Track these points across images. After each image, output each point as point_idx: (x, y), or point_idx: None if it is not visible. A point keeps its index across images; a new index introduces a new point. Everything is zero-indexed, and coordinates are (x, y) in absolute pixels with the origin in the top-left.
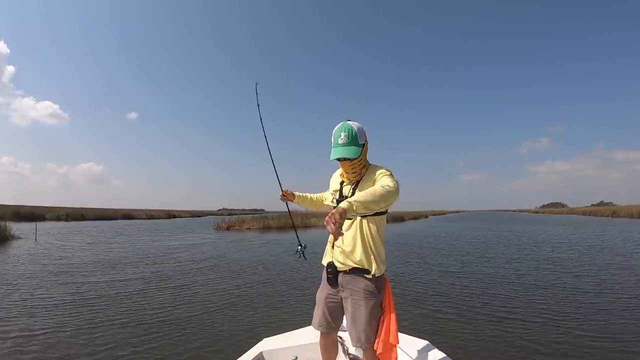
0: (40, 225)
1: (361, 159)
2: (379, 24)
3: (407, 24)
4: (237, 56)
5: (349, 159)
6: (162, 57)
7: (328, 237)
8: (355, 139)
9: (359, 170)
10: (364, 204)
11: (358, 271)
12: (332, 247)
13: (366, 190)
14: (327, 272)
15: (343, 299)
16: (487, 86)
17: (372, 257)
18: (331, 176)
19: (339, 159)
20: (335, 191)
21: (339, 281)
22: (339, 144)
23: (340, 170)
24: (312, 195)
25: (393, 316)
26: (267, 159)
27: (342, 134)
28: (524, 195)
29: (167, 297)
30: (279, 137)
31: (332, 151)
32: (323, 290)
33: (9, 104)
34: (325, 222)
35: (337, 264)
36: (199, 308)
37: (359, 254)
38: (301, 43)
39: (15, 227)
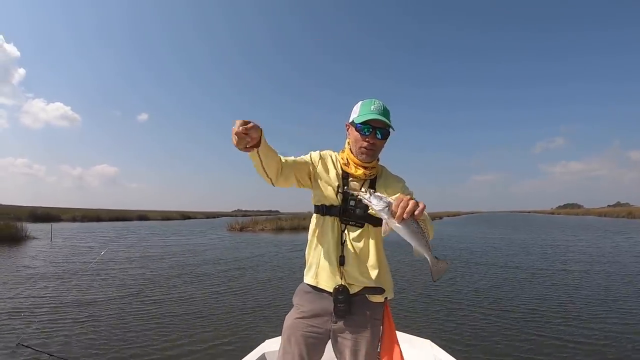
0: (56, 225)
1: (383, 145)
2: (394, 20)
3: (423, 21)
4: (253, 56)
5: (384, 130)
6: (174, 57)
7: (325, 250)
8: (389, 116)
9: (376, 162)
10: (428, 225)
11: (370, 292)
12: (339, 263)
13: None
14: (337, 300)
15: (335, 332)
16: (500, 85)
17: (388, 274)
18: (313, 153)
19: (372, 127)
20: (334, 185)
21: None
22: (373, 111)
23: (334, 155)
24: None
25: (397, 349)
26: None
27: (376, 102)
28: (538, 195)
29: (171, 298)
30: (288, 133)
31: (359, 116)
32: (300, 321)
33: (20, 106)
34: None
35: (349, 285)
36: (202, 309)
37: (377, 270)
38: (317, 42)
39: (31, 228)
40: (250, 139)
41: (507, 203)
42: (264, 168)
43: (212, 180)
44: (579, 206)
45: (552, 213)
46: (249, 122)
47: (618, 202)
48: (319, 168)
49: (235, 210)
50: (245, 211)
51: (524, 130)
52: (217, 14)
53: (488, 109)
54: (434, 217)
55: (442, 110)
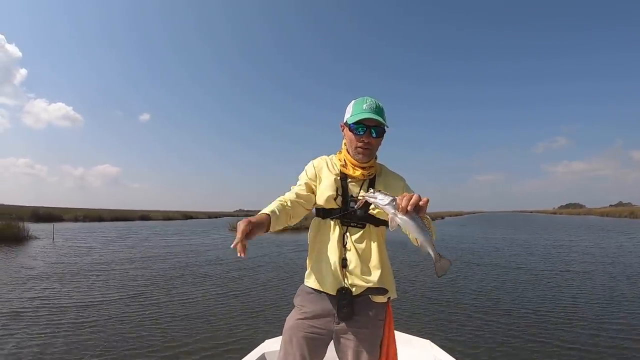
0: (58, 225)
1: (380, 143)
2: (395, 19)
3: (424, 20)
4: (254, 56)
5: (379, 128)
6: (175, 57)
7: (327, 253)
8: (383, 113)
9: (374, 160)
10: (430, 221)
11: (373, 292)
12: (342, 265)
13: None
14: (341, 303)
15: (338, 333)
16: (501, 84)
17: (391, 274)
18: (308, 167)
19: (365, 126)
20: (332, 193)
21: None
22: (366, 110)
23: (329, 160)
24: (285, 203)
25: (393, 349)
26: (282, 161)
27: (369, 100)
28: (540, 195)
29: (171, 299)
30: (289, 132)
31: (352, 116)
32: (302, 322)
33: (22, 106)
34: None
35: (352, 287)
36: (202, 309)
37: (380, 271)
38: (317, 41)
39: (33, 228)
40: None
41: (509, 203)
42: (281, 228)
43: (214, 180)
44: (581, 206)
45: (554, 213)
46: (248, 226)
47: (620, 201)
48: (318, 179)
49: (237, 210)
50: (247, 211)
51: (525, 130)
52: (218, 13)
53: (489, 108)
54: (436, 216)
55: (443, 110)
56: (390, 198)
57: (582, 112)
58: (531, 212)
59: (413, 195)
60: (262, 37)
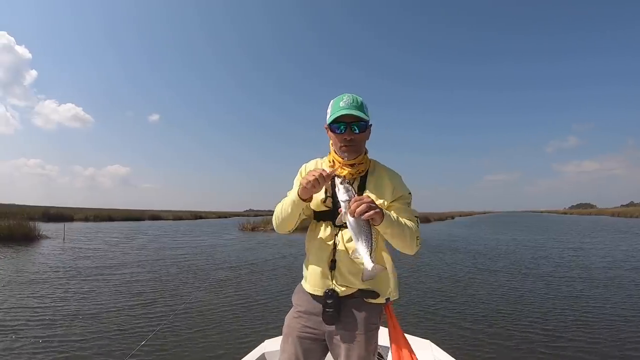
0: (69, 225)
1: (367, 137)
2: (404, 22)
3: (430, 21)
4: (260, 58)
5: (360, 123)
6: (183, 59)
7: (316, 255)
8: (362, 108)
9: (363, 156)
10: (401, 230)
11: (365, 295)
12: (330, 267)
13: (406, 220)
14: (326, 305)
15: (330, 334)
16: (510, 84)
17: (390, 274)
18: (300, 172)
19: (345, 124)
20: (321, 196)
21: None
22: (343, 107)
23: (320, 162)
24: None
25: (406, 350)
26: (287, 164)
27: (346, 98)
28: (551, 195)
29: (172, 298)
30: (295, 134)
31: (330, 116)
32: (297, 320)
33: (32, 107)
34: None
35: (340, 288)
36: (203, 309)
37: None
38: (322, 43)
39: (43, 227)
40: (317, 189)
41: (520, 203)
42: (296, 220)
43: (223, 181)
44: (592, 206)
45: (565, 213)
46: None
47: (631, 202)
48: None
49: (247, 210)
50: (257, 211)
51: (536, 129)
52: (230, 15)
53: (499, 109)
54: (446, 216)
55: (454, 112)
56: (348, 198)
57: (594, 111)
58: (542, 212)
59: (364, 204)
60: (265, 38)
